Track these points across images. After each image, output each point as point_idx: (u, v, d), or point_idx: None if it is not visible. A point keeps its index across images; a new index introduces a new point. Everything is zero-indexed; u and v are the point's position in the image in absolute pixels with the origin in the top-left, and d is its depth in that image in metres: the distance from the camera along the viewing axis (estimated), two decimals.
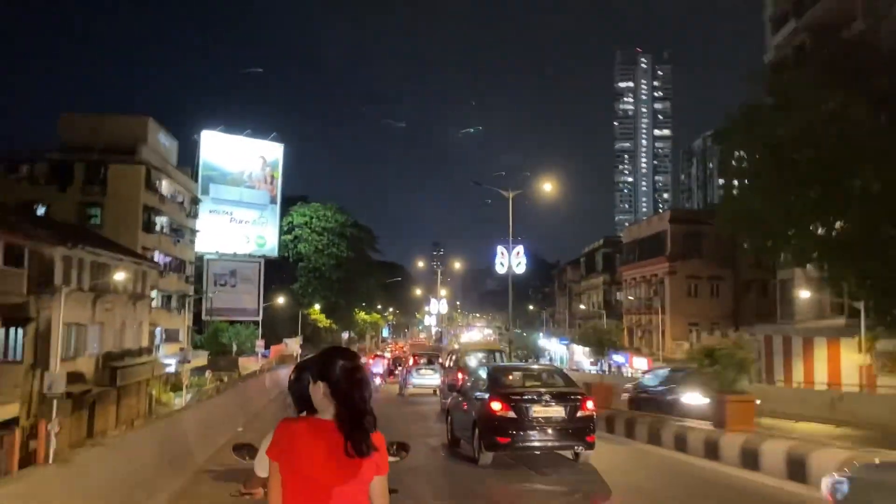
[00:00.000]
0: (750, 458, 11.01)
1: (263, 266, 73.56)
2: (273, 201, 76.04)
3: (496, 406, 11.55)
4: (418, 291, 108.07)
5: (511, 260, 34.02)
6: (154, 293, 51.33)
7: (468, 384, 14.20)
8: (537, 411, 11.45)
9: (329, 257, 78.63)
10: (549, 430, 11.43)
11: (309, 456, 2.78)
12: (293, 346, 72.14)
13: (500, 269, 31.07)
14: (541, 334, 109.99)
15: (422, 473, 10.74)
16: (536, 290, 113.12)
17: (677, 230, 54.48)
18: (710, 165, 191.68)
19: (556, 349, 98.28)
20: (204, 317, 69.54)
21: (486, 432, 11.62)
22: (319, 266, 78.30)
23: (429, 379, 28.47)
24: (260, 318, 71.41)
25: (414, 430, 15.91)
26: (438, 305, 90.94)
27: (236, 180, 74.11)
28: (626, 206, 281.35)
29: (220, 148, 72.28)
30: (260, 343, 65.09)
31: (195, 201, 62.82)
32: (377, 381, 34.68)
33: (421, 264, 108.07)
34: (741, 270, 54.09)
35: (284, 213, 78.02)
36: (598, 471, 11.19)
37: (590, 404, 11.86)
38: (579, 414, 11.60)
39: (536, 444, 11.57)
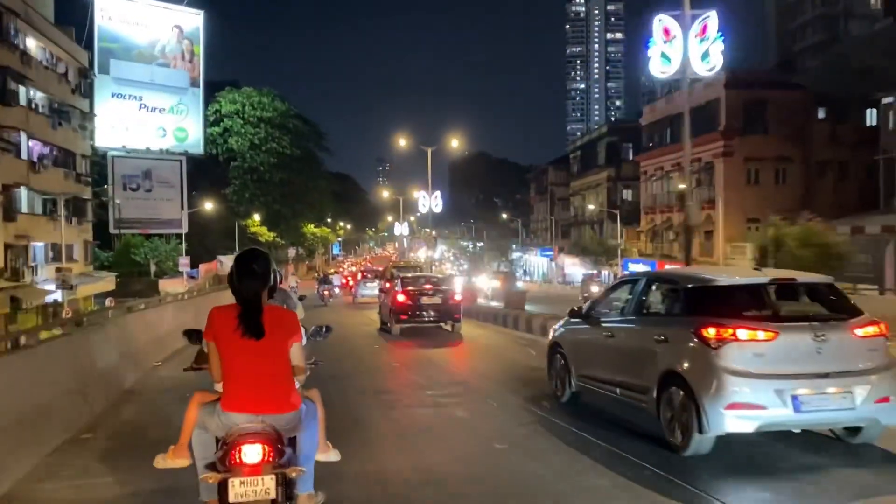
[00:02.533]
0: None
1: (186, 165, 57.58)
2: (194, 84, 59.15)
3: (400, 298, 18.36)
4: (385, 194, 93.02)
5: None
6: (22, 193, 35.97)
7: (390, 287, 20.60)
8: (425, 300, 18.21)
9: (268, 154, 63.12)
10: (432, 312, 18.24)
11: (229, 334, 3.59)
12: (229, 263, 57.26)
13: (665, 70, 17.31)
14: (513, 246, 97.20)
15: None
16: (507, 197, 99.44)
17: (734, 98, 40.96)
18: None
19: (535, 262, 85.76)
20: (112, 229, 53.92)
21: (394, 314, 18.43)
22: (257, 165, 62.81)
23: (371, 290, 32.69)
24: (184, 231, 56.07)
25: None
26: (402, 227, 77.39)
27: (146, 55, 56.98)
28: (578, 114, 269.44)
29: (122, 13, 54.99)
30: (184, 261, 50.33)
31: (84, 74, 46.29)
32: (336, 290, 40.37)
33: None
34: (814, 149, 41.24)
35: (210, 99, 61.52)
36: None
37: (457, 296, 18.96)
38: (451, 302, 18.44)
39: (425, 319, 18.32)
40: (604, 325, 7.91)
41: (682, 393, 6.10)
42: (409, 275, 22.05)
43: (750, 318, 6.01)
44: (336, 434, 4.55)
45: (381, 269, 40.54)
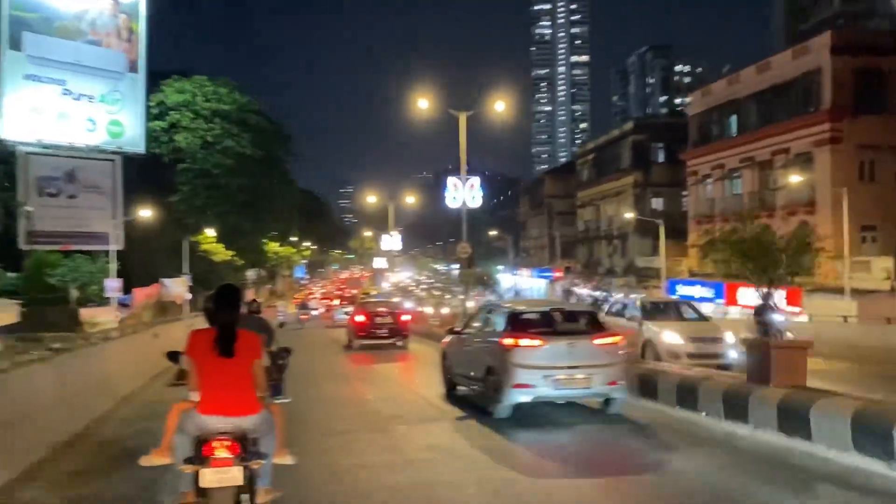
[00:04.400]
0: None
1: (121, 166, 45.26)
2: (133, 68, 46.60)
3: (360, 318, 22.34)
4: (368, 232, 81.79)
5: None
6: None
7: (353, 311, 25.13)
8: (378, 320, 21.99)
9: (224, 155, 51.19)
10: (385, 330, 21.95)
11: (206, 353, 4.50)
12: (176, 288, 45.40)
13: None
14: (501, 267, 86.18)
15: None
16: (492, 212, 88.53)
17: (843, 67, 30.84)
18: (651, 80, 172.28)
19: (529, 284, 74.94)
20: (22, 244, 41.32)
21: (354, 332, 22.27)
22: (210, 168, 50.80)
23: (344, 315, 33.88)
24: (116, 247, 43.63)
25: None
26: (392, 240, 66.63)
27: (71, 30, 44.35)
28: (545, 136, 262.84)
29: None
30: (113, 284, 38.12)
31: None
32: (314, 313, 44.64)
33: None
34: None
35: (153, 89, 49.47)
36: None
37: (406, 317, 23.08)
38: (400, 323, 22.19)
39: (379, 337, 21.82)
40: (464, 338, 11.90)
41: (493, 379, 10.02)
42: (368, 300, 27.73)
43: (530, 333, 9.98)
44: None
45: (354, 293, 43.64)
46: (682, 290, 40.59)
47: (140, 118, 45.58)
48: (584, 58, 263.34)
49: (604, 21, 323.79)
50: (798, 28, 71.25)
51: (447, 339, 12.94)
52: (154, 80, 49.90)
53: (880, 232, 30.13)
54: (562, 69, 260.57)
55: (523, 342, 9.68)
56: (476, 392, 11.00)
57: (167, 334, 18.04)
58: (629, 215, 46.55)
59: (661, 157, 50.22)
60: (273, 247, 73.47)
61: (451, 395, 11.99)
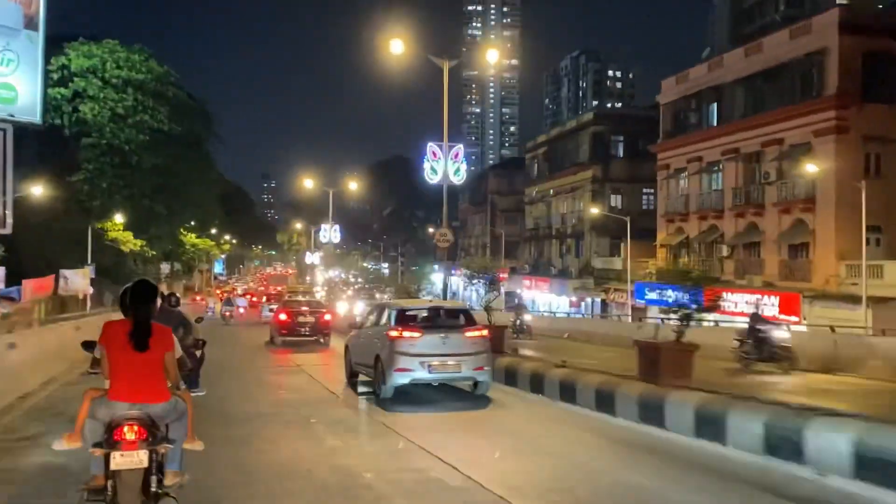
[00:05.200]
0: None
1: (12, 138, 38.27)
2: (31, 24, 39.57)
3: (282, 316, 22.80)
4: (298, 225, 75.45)
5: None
6: None
7: (277, 308, 25.36)
8: (301, 319, 22.47)
9: (137, 130, 44.65)
10: (308, 328, 22.42)
11: (119, 343, 4.62)
12: (78, 280, 39.02)
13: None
14: (436, 267, 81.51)
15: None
16: (431, 209, 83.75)
17: (851, 48, 27.52)
18: (584, 84, 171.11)
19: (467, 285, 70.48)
20: None
21: (277, 329, 22.67)
22: (121, 144, 44.18)
23: (269, 312, 31.32)
24: (4, 231, 36.66)
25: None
26: (330, 234, 61.36)
27: None
28: (473, 138, 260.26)
29: None
30: None
31: None
32: (241, 310, 42.32)
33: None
34: None
35: (55, 51, 42.59)
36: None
37: (328, 317, 23.47)
38: (321, 321, 22.73)
39: (302, 334, 22.36)
40: (362, 332, 13.57)
41: (380, 365, 11.55)
42: (291, 298, 28.45)
43: (411, 327, 11.61)
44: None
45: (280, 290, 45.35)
46: (652, 294, 36.92)
47: (37, 83, 38.63)
48: (514, 61, 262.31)
49: (535, 25, 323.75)
50: (742, 32, 69.59)
51: (351, 333, 14.83)
52: (57, 43, 43.14)
53: (886, 234, 26.95)
54: (492, 71, 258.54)
55: (405, 334, 11.35)
56: (369, 377, 12.41)
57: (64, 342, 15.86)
58: (594, 211, 42.64)
59: (620, 151, 46.63)
60: (190, 238, 66.75)
61: (352, 382, 13.57)
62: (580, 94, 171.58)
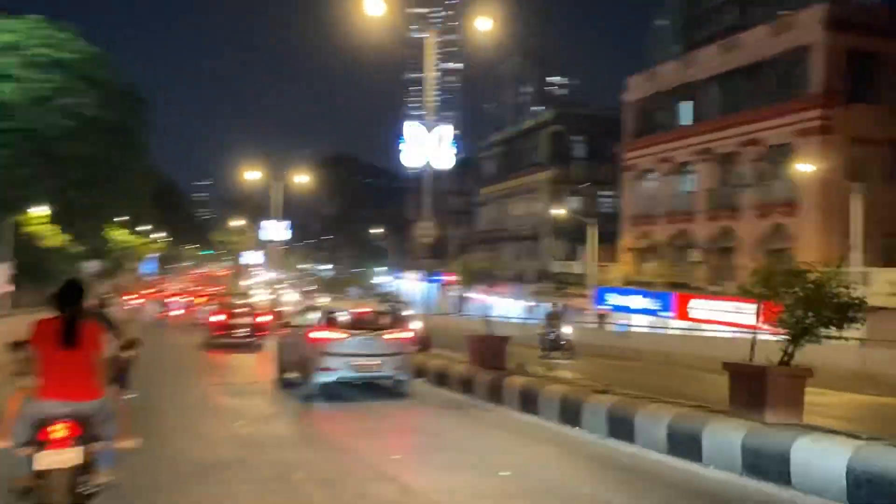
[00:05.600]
0: None
1: None
2: None
3: (218, 318, 22.64)
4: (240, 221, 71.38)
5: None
6: None
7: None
8: (237, 320, 22.27)
9: (62, 115, 40.66)
10: (244, 330, 22.08)
11: (49, 341, 4.62)
12: None
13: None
14: (382, 269, 78.73)
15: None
16: (376, 209, 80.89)
17: (837, 45, 26.28)
18: (526, 90, 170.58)
19: (417, 289, 67.94)
20: None
21: (213, 331, 22.34)
22: (43, 130, 40.06)
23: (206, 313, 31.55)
24: None
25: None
26: (256, 255, 59.20)
27: None
28: None
29: None
30: None
31: None
32: (177, 312, 39.84)
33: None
34: None
35: None
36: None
37: (264, 318, 23.20)
38: (258, 321, 22.56)
39: (239, 335, 21.89)
40: (292, 332, 14.01)
41: (307, 364, 12.15)
42: (227, 300, 26.40)
43: (337, 328, 12.24)
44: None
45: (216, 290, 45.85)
46: (616, 299, 35.24)
47: None
48: (458, 65, 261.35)
49: (477, 30, 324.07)
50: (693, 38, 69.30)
51: (282, 333, 15.21)
52: None
53: (869, 240, 25.73)
54: (435, 74, 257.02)
55: (331, 335, 12.14)
56: (298, 375, 13.02)
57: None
58: (560, 212, 40.71)
59: (580, 152, 45.01)
60: (120, 234, 62.25)
61: (282, 380, 13.78)
62: (520, 100, 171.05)
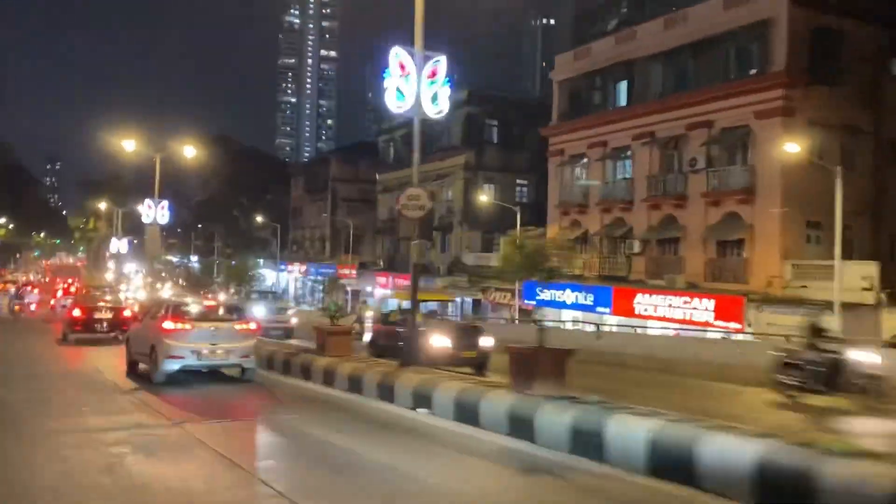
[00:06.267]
0: None
1: None
2: None
3: (76, 312, 21.67)
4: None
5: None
6: None
7: (71, 304, 24.57)
8: (97, 315, 21.40)
9: None
10: (105, 324, 21.21)
11: None
12: None
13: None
14: (261, 261, 72.69)
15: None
16: (256, 196, 74.52)
17: (801, 22, 24.41)
18: None
19: (296, 284, 63.05)
20: None
21: (71, 326, 21.31)
22: None
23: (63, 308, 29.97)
24: None
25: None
26: (121, 243, 53.04)
27: None
28: (289, 128, 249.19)
29: None
30: None
31: None
32: (33, 307, 37.38)
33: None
34: (886, 120, 26.38)
35: None
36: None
37: (127, 312, 21.95)
38: (122, 317, 21.35)
39: (97, 331, 20.98)
40: (142, 324, 14.57)
41: (154, 353, 12.58)
42: (87, 293, 27.97)
43: (186, 319, 12.89)
44: None
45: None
46: (546, 294, 32.45)
47: None
48: (333, 53, 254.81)
49: (354, 17, 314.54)
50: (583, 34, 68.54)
51: (132, 326, 16.00)
52: None
53: (826, 230, 24.13)
54: (310, 61, 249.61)
55: (179, 325, 12.58)
56: (146, 365, 13.28)
57: None
58: (483, 198, 37.38)
59: (495, 137, 42.03)
60: None
61: (132, 372, 14.03)
62: None
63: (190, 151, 30.60)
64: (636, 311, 27.28)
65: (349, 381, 11.59)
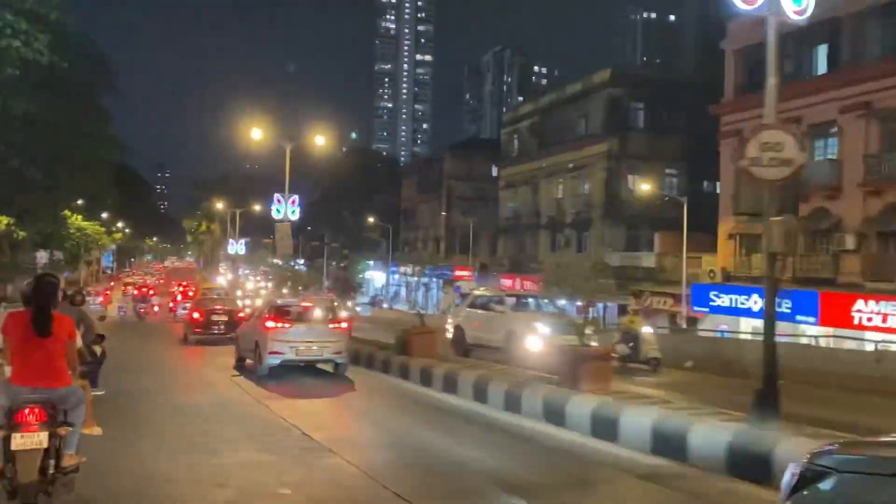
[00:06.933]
0: None
1: None
2: None
3: (196, 315, 23.09)
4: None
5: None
6: None
7: (191, 307, 25.79)
8: (214, 318, 22.51)
9: (2, 59, 31.31)
10: (222, 326, 22.05)
11: (21, 330, 4.88)
12: None
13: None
14: (370, 263, 70.12)
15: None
16: (363, 198, 72.04)
17: None
18: (508, 79, 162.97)
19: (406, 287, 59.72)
20: None
21: (191, 327, 22.83)
22: None
23: (184, 311, 31.54)
24: None
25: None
26: (238, 245, 52.08)
27: None
28: (385, 133, 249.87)
29: None
30: None
31: None
32: (156, 308, 39.38)
33: None
34: None
35: None
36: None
37: (241, 314, 21.82)
38: (236, 318, 21.41)
39: (215, 333, 22.06)
40: (248, 323, 16.83)
41: (258, 349, 14.03)
42: (205, 297, 28.98)
43: (284, 318, 14.46)
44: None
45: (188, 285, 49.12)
46: (723, 300, 27.58)
47: None
48: (428, 57, 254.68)
49: (449, 21, 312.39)
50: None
51: (241, 327, 17.53)
52: None
53: None
54: (406, 66, 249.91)
55: (277, 325, 14.01)
56: (252, 361, 14.71)
57: None
58: (646, 187, 32.81)
59: (641, 122, 37.34)
60: (76, 220, 52.76)
61: (239, 367, 15.48)
62: (504, 90, 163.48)
63: (321, 140, 27.61)
64: (854, 322, 22.17)
65: (420, 374, 13.44)
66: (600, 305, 36.85)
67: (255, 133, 26.67)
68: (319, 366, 14.64)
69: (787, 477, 3.41)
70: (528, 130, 44.42)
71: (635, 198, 34.32)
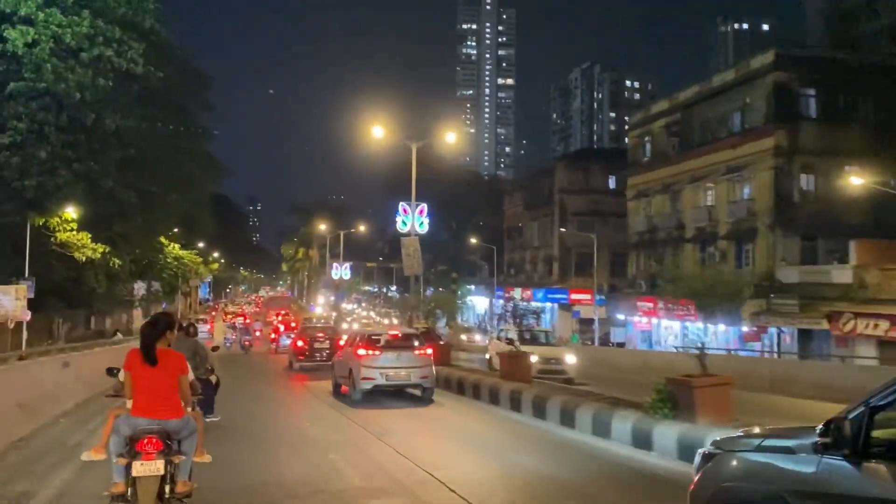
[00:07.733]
0: None
1: None
2: None
3: (300, 343, 24.94)
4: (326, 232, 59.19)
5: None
6: None
7: (294, 337, 27.93)
8: (317, 346, 24.30)
9: (95, 72, 28.17)
10: (323, 353, 23.85)
11: (138, 364, 5.28)
12: (6, 304, 23.01)
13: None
14: (472, 288, 65.27)
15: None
16: (464, 218, 67.67)
17: None
18: (599, 95, 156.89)
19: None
20: None
21: (295, 355, 24.72)
22: (69, 92, 27.51)
23: (287, 340, 33.52)
24: None
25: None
26: (340, 270, 49.08)
27: None
28: (468, 158, 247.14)
29: None
30: None
31: None
32: (258, 333, 42.96)
33: None
34: None
35: None
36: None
37: (340, 342, 20.85)
38: (338, 346, 20.93)
39: (317, 359, 23.89)
40: (342, 352, 17.52)
41: (352, 375, 15.13)
42: (307, 326, 29.67)
43: (374, 346, 15.29)
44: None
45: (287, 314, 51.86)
46: None
47: None
48: (510, 81, 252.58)
49: (531, 44, 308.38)
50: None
51: (336, 355, 18.59)
52: None
53: None
54: (487, 91, 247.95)
55: (369, 352, 15.02)
56: (347, 386, 15.74)
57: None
58: (855, 181, 26.80)
59: (813, 111, 31.35)
60: (173, 249, 50.21)
61: (336, 393, 16.85)
62: (594, 106, 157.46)
63: (451, 137, 23.36)
64: None
65: (510, 399, 14.35)
66: (772, 329, 30.89)
67: (377, 131, 22.62)
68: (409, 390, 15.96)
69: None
70: (663, 131, 38.89)
71: (839, 198, 28.18)
